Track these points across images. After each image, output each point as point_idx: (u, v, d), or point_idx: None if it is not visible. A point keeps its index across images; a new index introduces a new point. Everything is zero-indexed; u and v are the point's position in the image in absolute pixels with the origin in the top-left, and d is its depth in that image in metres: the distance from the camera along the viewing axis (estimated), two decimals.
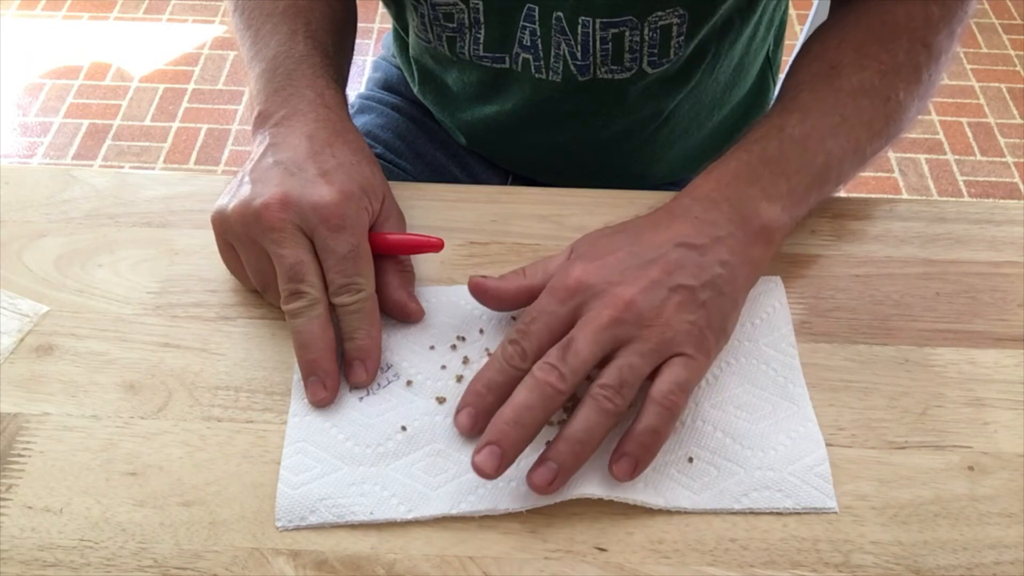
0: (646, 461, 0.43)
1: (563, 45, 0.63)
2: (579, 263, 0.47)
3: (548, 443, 0.43)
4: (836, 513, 0.44)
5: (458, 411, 0.46)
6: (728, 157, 0.52)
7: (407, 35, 0.75)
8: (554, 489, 0.42)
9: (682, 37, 0.62)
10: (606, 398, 0.42)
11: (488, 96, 0.72)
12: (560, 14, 0.62)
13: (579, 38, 0.62)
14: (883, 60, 0.54)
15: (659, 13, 0.60)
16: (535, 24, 0.63)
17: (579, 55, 0.63)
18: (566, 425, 0.43)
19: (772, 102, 0.83)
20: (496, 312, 0.51)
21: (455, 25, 0.65)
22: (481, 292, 0.49)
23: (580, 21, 0.61)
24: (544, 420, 0.42)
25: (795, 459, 0.45)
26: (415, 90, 0.80)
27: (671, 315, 0.44)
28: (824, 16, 0.62)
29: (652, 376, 0.44)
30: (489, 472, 0.42)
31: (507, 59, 0.66)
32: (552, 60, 0.65)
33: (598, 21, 0.61)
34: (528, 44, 0.64)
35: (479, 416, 0.45)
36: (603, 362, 0.44)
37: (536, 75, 0.66)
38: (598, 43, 0.62)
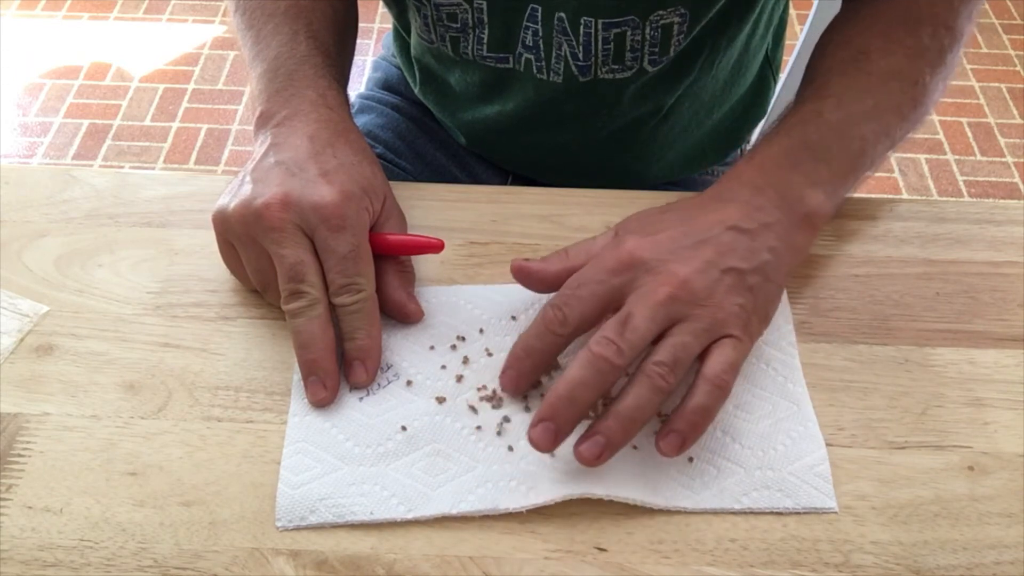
0: (693, 439, 0.43)
1: (564, 46, 0.63)
2: (631, 237, 0.47)
3: (596, 417, 0.43)
4: (836, 513, 0.44)
5: (503, 372, 0.47)
6: (770, 142, 0.52)
7: (408, 36, 0.75)
8: (601, 462, 0.42)
9: (682, 35, 0.62)
10: (660, 376, 0.42)
11: (490, 96, 0.72)
12: (562, 14, 0.61)
13: (580, 38, 0.62)
14: (909, 45, 0.55)
15: (660, 12, 0.60)
16: (537, 24, 0.63)
17: (580, 55, 0.63)
18: (617, 400, 0.42)
19: (772, 102, 0.83)
20: (497, 312, 0.51)
21: (459, 25, 0.65)
22: (525, 275, 0.49)
23: (582, 21, 0.61)
24: (598, 396, 0.43)
25: (795, 459, 0.45)
26: (416, 90, 0.80)
27: (722, 296, 0.44)
28: (824, 16, 0.62)
29: (700, 357, 0.44)
30: (544, 447, 0.42)
31: (510, 59, 0.66)
32: (553, 60, 0.65)
33: (600, 21, 0.61)
34: (530, 44, 0.64)
35: (520, 379, 0.46)
36: (654, 340, 0.44)
37: (538, 75, 0.66)
38: (599, 43, 0.62)
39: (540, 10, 0.62)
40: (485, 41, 0.65)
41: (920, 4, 0.56)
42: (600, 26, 0.61)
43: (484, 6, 0.63)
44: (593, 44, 0.63)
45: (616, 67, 0.64)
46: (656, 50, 0.63)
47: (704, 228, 0.47)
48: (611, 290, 0.45)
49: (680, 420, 0.43)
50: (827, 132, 0.52)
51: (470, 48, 0.66)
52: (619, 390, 0.43)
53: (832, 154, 0.51)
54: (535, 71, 0.66)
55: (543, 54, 0.64)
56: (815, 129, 0.52)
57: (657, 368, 0.42)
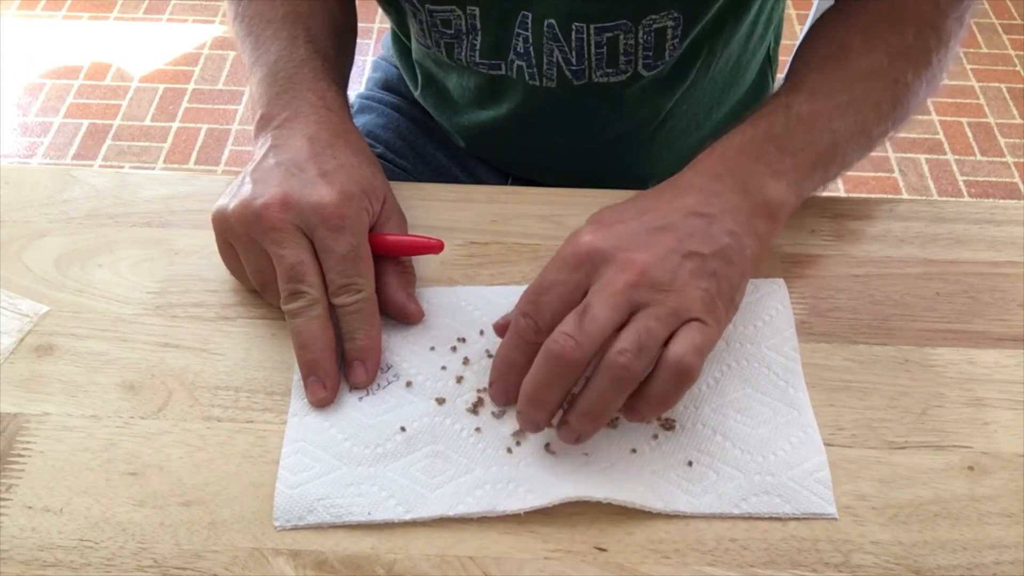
0: (650, 418, 0.45)
1: (556, 52, 0.63)
2: (586, 230, 0.46)
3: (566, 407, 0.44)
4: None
5: (490, 384, 0.47)
6: (733, 133, 0.52)
7: (408, 40, 0.75)
8: (580, 443, 0.44)
9: (676, 39, 0.62)
10: (623, 365, 0.41)
11: (485, 101, 0.71)
12: (552, 21, 0.61)
13: (573, 44, 0.62)
14: (891, 43, 0.55)
15: (653, 16, 0.60)
16: (528, 31, 0.63)
17: (574, 60, 0.63)
18: (580, 395, 0.42)
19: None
20: (497, 314, 0.51)
21: (453, 31, 0.65)
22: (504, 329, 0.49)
23: (573, 27, 0.61)
24: (564, 393, 0.43)
25: (795, 464, 0.45)
26: (416, 94, 0.80)
27: (685, 281, 0.44)
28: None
29: (666, 343, 0.43)
30: (531, 432, 0.45)
31: (503, 66, 0.66)
32: (545, 67, 0.64)
33: (592, 27, 0.61)
34: (521, 51, 0.64)
35: (508, 391, 0.46)
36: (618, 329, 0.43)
37: (530, 82, 0.66)
38: (592, 47, 0.62)
39: (530, 17, 0.62)
40: (478, 48, 0.65)
41: (905, 3, 0.56)
42: (592, 31, 0.61)
43: (477, 12, 0.63)
44: (586, 48, 0.63)
45: (610, 71, 0.64)
46: (650, 54, 0.63)
47: (662, 216, 0.46)
48: (573, 287, 0.44)
49: (641, 402, 0.43)
50: (794, 124, 0.51)
51: (464, 54, 0.66)
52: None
53: (798, 145, 0.51)
54: (527, 78, 0.66)
55: (534, 61, 0.64)
56: (782, 121, 0.52)
57: (620, 357, 0.41)
